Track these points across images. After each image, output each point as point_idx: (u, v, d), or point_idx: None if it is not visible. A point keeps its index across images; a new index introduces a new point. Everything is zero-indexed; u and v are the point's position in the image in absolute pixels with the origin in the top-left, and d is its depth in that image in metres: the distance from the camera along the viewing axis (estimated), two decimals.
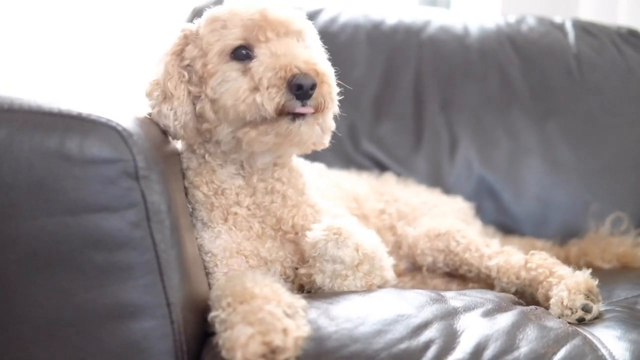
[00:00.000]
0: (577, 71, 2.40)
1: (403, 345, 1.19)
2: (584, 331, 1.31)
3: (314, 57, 1.40)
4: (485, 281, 1.69)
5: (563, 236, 2.23)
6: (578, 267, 1.51)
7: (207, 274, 1.48)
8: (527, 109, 2.36)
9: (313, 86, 1.35)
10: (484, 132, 2.35)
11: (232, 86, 1.38)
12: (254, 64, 1.37)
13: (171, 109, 1.44)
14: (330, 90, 1.41)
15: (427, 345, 1.19)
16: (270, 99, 1.33)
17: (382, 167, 2.25)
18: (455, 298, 1.40)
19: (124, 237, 1.13)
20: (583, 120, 2.37)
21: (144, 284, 1.15)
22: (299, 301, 1.23)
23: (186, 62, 1.47)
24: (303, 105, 1.36)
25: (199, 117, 1.46)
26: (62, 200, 1.10)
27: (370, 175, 2.09)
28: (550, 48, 2.44)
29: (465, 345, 1.20)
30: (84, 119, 1.14)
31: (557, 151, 2.34)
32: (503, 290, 1.61)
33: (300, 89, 1.34)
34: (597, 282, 1.45)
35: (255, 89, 1.35)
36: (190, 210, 1.50)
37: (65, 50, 2.71)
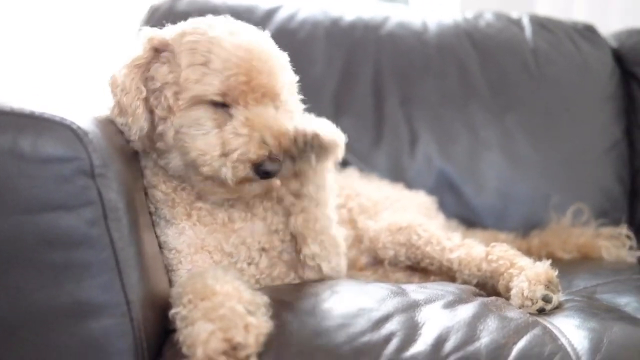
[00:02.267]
0: (534, 66, 2.42)
1: (365, 339, 1.19)
2: (544, 321, 1.32)
3: (287, 130, 1.38)
4: (447, 274, 1.69)
5: (524, 228, 2.25)
6: (540, 258, 1.52)
7: (170, 270, 1.47)
8: (486, 103, 2.37)
9: (277, 170, 1.38)
10: (443, 127, 2.35)
11: (202, 140, 1.35)
12: (227, 128, 1.35)
13: (125, 125, 1.38)
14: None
15: (388, 338, 1.20)
16: (234, 174, 1.34)
17: (343, 163, 2.24)
18: (416, 291, 1.41)
19: (80, 235, 1.12)
20: (542, 114, 2.39)
21: (102, 282, 1.14)
22: (261, 298, 1.23)
23: (156, 83, 1.39)
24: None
25: (156, 131, 1.41)
26: (16, 199, 1.09)
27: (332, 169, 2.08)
28: (508, 43, 2.46)
29: (426, 337, 1.21)
30: (37, 117, 1.12)
31: (517, 145, 2.35)
32: (465, 282, 1.62)
33: (267, 175, 1.36)
34: (557, 273, 1.46)
35: (224, 155, 1.34)
36: (153, 209, 1.48)
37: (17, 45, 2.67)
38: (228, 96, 1.36)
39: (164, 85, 1.38)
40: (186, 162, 1.38)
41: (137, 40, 1.42)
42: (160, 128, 1.39)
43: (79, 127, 1.13)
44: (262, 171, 1.35)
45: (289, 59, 1.48)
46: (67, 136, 1.12)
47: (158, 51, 1.40)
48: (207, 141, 1.35)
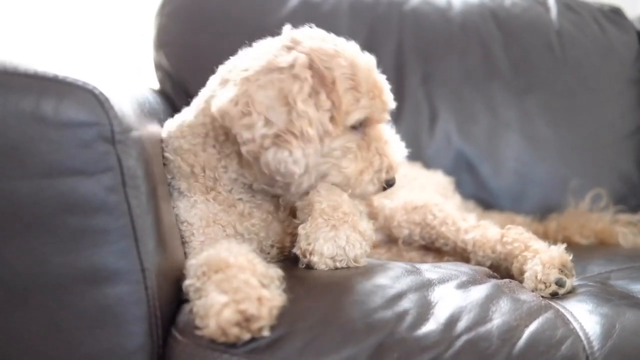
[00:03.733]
0: (558, 47, 2.40)
1: (378, 315, 1.20)
2: (557, 305, 1.32)
3: (399, 149, 1.55)
4: (461, 255, 1.69)
5: (542, 211, 2.25)
6: (556, 242, 1.52)
7: (184, 242, 1.47)
8: (507, 83, 2.36)
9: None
10: (463, 106, 2.34)
11: (353, 164, 1.45)
12: (372, 149, 1.47)
13: (302, 155, 1.33)
14: None
15: (401, 316, 1.20)
16: (376, 191, 1.51)
17: None
18: (430, 270, 1.41)
19: (99, 202, 1.12)
20: (563, 97, 2.37)
21: (119, 249, 1.14)
22: (275, 271, 1.23)
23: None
24: None
25: None
26: (36, 163, 1.09)
27: None
28: (532, 23, 2.44)
29: (438, 316, 1.21)
30: (60, 81, 1.11)
31: (537, 127, 2.34)
32: (478, 263, 1.62)
33: (390, 186, 1.52)
34: (571, 257, 1.46)
35: (362, 172, 1.46)
36: (169, 179, 1.49)
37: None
38: (371, 116, 1.45)
39: (321, 110, 1.37)
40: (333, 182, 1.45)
41: (292, 69, 1.35)
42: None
43: (101, 93, 1.13)
44: (389, 184, 1.51)
45: None
46: (89, 101, 1.12)
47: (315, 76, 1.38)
48: (357, 165, 1.46)
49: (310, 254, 1.37)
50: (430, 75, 2.36)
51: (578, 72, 2.39)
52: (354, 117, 1.40)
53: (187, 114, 1.50)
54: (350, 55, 1.41)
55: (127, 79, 1.60)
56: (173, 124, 1.52)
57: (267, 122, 1.32)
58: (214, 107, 1.36)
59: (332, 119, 1.38)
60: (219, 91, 1.40)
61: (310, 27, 1.46)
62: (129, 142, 1.16)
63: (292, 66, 1.34)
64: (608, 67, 2.41)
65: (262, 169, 1.36)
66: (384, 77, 1.47)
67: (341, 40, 1.45)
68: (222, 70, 1.47)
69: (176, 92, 2.24)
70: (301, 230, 1.40)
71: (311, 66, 1.36)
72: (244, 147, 1.34)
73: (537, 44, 2.40)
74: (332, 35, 1.45)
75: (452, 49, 2.37)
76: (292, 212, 1.51)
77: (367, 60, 1.44)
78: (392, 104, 1.48)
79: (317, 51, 1.38)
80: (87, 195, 1.12)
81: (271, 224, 1.52)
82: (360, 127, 1.45)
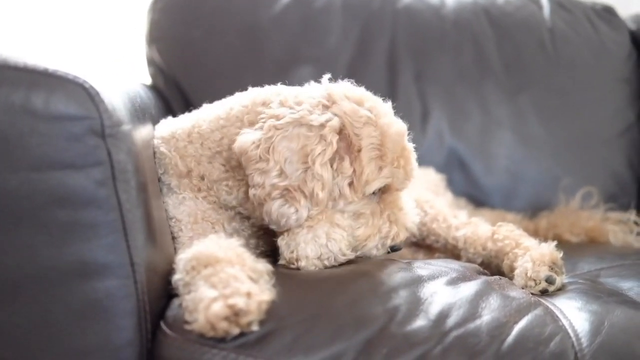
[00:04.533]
0: (551, 45, 2.40)
1: (368, 310, 1.20)
2: (546, 302, 1.32)
3: (411, 214, 1.52)
4: (452, 252, 1.70)
5: (533, 209, 2.26)
6: (547, 240, 1.53)
7: (173, 238, 1.46)
8: (500, 82, 2.37)
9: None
10: (456, 104, 2.35)
11: (363, 229, 1.44)
12: (384, 217, 1.46)
13: (307, 215, 1.36)
14: None
15: (391, 312, 1.20)
16: (377, 254, 1.48)
17: None
18: (420, 267, 1.41)
19: (88, 195, 1.12)
20: (555, 95, 2.38)
21: (108, 243, 1.14)
22: (264, 265, 1.23)
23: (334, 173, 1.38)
24: None
25: None
26: (26, 156, 1.09)
27: None
28: (525, 21, 2.44)
29: (428, 313, 1.21)
30: (50, 74, 1.11)
31: (529, 125, 2.35)
32: (469, 260, 1.63)
33: (394, 251, 1.50)
34: (562, 255, 1.46)
35: (368, 237, 1.45)
36: (160, 173, 1.48)
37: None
38: (391, 184, 1.44)
39: (341, 176, 1.38)
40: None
41: (321, 130, 1.35)
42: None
43: (91, 86, 1.12)
44: (393, 249, 1.49)
45: None
46: (80, 94, 1.11)
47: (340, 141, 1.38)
48: (366, 231, 1.44)
49: (297, 260, 1.37)
50: (422, 72, 2.36)
51: (570, 70, 2.40)
52: (374, 186, 1.40)
53: (199, 121, 1.48)
54: (382, 123, 1.39)
55: (118, 73, 1.59)
56: (178, 124, 1.52)
57: (282, 174, 1.33)
58: (237, 144, 1.36)
59: (351, 184, 1.39)
60: (245, 129, 1.39)
61: (351, 83, 1.44)
62: (119, 136, 1.16)
63: (322, 126, 1.34)
64: (600, 66, 2.41)
65: (262, 215, 1.37)
66: (412, 146, 1.46)
67: (378, 102, 1.44)
68: (256, 97, 1.45)
69: (168, 88, 2.24)
70: (281, 242, 1.40)
71: (341, 131, 1.37)
72: (252, 190, 1.35)
73: (529, 42, 2.41)
74: (369, 95, 1.44)
75: (445, 46, 2.38)
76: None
77: (398, 129, 1.42)
78: (414, 175, 1.47)
79: (350, 116, 1.37)
80: (76, 189, 1.11)
81: (262, 236, 1.52)
82: (379, 192, 1.45)
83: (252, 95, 1.46)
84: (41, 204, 1.10)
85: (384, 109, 1.43)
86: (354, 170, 1.38)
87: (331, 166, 1.36)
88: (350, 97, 1.40)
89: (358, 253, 1.44)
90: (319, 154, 1.33)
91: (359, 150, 1.37)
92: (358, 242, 1.43)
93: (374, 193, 1.43)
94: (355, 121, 1.37)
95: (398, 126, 1.42)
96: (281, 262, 1.40)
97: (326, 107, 1.38)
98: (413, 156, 1.46)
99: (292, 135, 1.33)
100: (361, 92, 1.44)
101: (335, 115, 1.37)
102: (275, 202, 1.33)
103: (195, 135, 1.47)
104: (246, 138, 1.35)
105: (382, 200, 1.46)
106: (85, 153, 1.11)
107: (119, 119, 1.18)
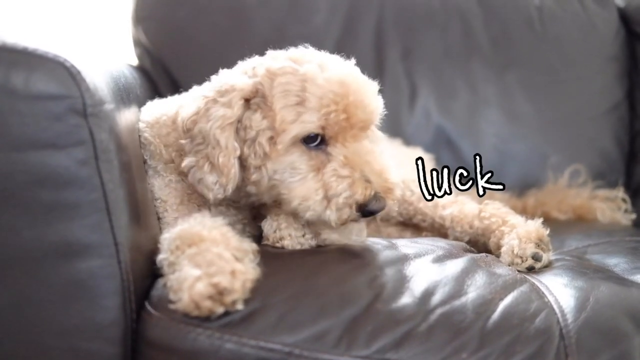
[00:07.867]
0: (538, 23, 2.39)
1: (353, 289, 1.20)
2: (532, 278, 1.33)
3: (386, 168, 1.36)
4: (439, 230, 1.70)
5: (521, 187, 2.26)
6: (535, 217, 1.53)
7: (158, 219, 1.46)
8: (487, 59, 2.36)
9: (383, 209, 1.34)
10: (443, 82, 2.34)
11: (302, 185, 1.32)
12: (327, 171, 1.32)
13: (216, 183, 1.32)
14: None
15: (376, 289, 1.20)
16: (339, 217, 1.31)
17: None
18: (407, 245, 1.41)
19: (70, 175, 1.11)
20: (543, 73, 2.37)
21: (91, 223, 1.13)
22: (249, 244, 1.23)
23: (250, 132, 1.33)
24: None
25: (247, 180, 1.37)
26: (6, 136, 1.08)
27: None
28: None
29: (414, 290, 1.22)
30: (30, 53, 1.10)
31: (516, 103, 2.34)
32: (456, 239, 1.63)
33: (372, 214, 1.33)
34: (548, 232, 1.47)
35: (326, 198, 1.31)
36: (145, 157, 1.47)
37: None
38: (327, 133, 1.33)
39: (258, 132, 1.33)
40: (286, 210, 1.36)
41: (226, 95, 1.34)
42: (254, 177, 1.35)
43: (72, 65, 1.11)
44: (367, 211, 1.32)
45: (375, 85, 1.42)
46: (60, 73, 1.10)
47: (248, 101, 1.34)
48: (307, 186, 1.32)
49: (281, 239, 1.37)
50: (410, 51, 2.35)
51: (558, 47, 2.39)
52: (292, 132, 1.31)
53: (183, 107, 1.43)
54: (307, 70, 1.32)
55: (102, 54, 1.57)
56: (164, 108, 1.50)
57: (199, 144, 1.34)
58: (179, 118, 1.39)
59: (271, 139, 1.33)
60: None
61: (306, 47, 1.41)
62: (101, 115, 1.15)
63: (227, 92, 1.33)
64: (588, 43, 2.40)
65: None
66: (368, 90, 1.37)
67: (328, 58, 1.38)
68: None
69: (155, 68, 2.23)
70: (264, 224, 1.40)
71: (257, 91, 1.34)
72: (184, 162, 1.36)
73: (517, 19, 2.39)
74: (319, 54, 1.39)
75: (433, 24, 2.36)
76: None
77: (332, 75, 1.32)
78: (367, 118, 1.37)
79: (273, 73, 1.34)
80: (58, 169, 1.11)
81: (251, 222, 1.52)
82: (321, 145, 1.35)
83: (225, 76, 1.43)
84: (23, 184, 1.10)
85: (332, 63, 1.37)
86: (271, 123, 1.32)
87: (243, 130, 1.34)
88: (290, 58, 1.37)
89: (309, 216, 1.33)
90: (218, 119, 1.31)
91: (272, 101, 1.33)
92: (296, 202, 1.32)
93: (311, 145, 1.33)
94: (270, 74, 1.34)
95: (333, 72, 1.33)
96: (264, 242, 1.39)
97: (255, 74, 1.36)
98: (366, 101, 1.35)
99: (210, 107, 1.33)
100: (305, 52, 1.40)
101: (255, 76, 1.35)
102: (190, 171, 1.34)
103: (179, 124, 1.43)
104: (184, 112, 1.37)
105: (329, 155, 1.34)
106: (66, 132, 1.10)
107: (101, 98, 1.17)
